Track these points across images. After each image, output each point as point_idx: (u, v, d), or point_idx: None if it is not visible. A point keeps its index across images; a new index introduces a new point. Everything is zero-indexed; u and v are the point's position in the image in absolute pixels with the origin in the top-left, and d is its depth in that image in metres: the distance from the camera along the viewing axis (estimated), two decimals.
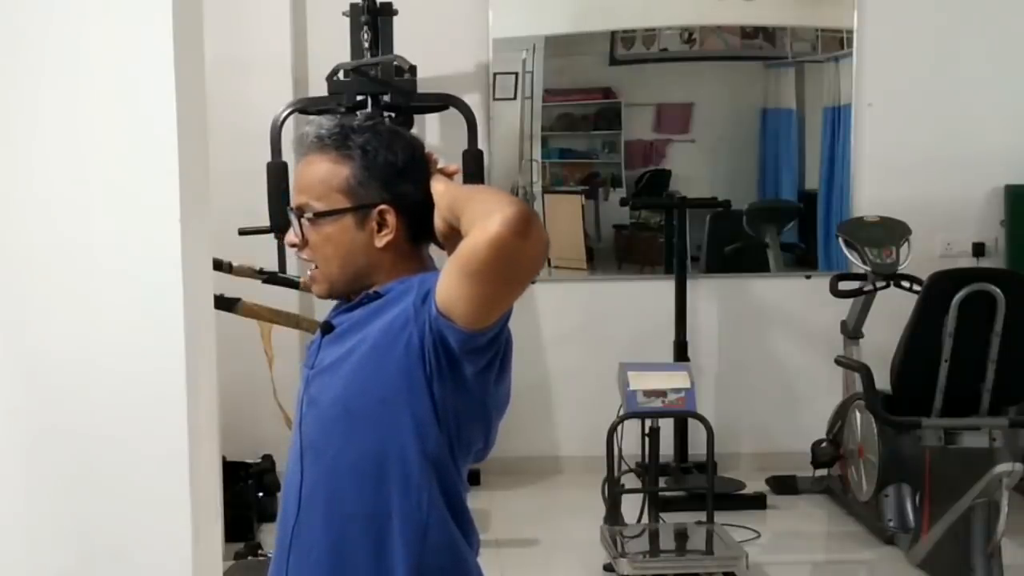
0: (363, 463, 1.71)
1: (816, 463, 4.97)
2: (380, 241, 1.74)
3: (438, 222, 1.73)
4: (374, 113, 4.72)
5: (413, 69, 4.85)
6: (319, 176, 1.75)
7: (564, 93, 5.72)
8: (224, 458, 4.06)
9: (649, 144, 5.78)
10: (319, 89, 4.95)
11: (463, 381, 1.68)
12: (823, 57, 5.72)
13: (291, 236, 1.79)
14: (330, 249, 1.75)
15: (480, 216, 1.57)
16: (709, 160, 5.82)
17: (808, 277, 5.62)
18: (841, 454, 4.85)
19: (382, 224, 1.74)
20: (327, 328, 1.80)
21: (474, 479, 4.53)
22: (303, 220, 1.76)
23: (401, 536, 1.70)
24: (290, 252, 4.68)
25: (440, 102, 4.96)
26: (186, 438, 2.47)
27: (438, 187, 1.75)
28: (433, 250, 1.84)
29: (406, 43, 4.92)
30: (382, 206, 1.74)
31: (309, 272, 1.80)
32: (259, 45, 5.17)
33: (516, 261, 1.58)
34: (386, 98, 4.80)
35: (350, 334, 1.76)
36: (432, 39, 5.27)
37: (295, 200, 1.77)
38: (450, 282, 1.61)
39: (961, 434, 4.04)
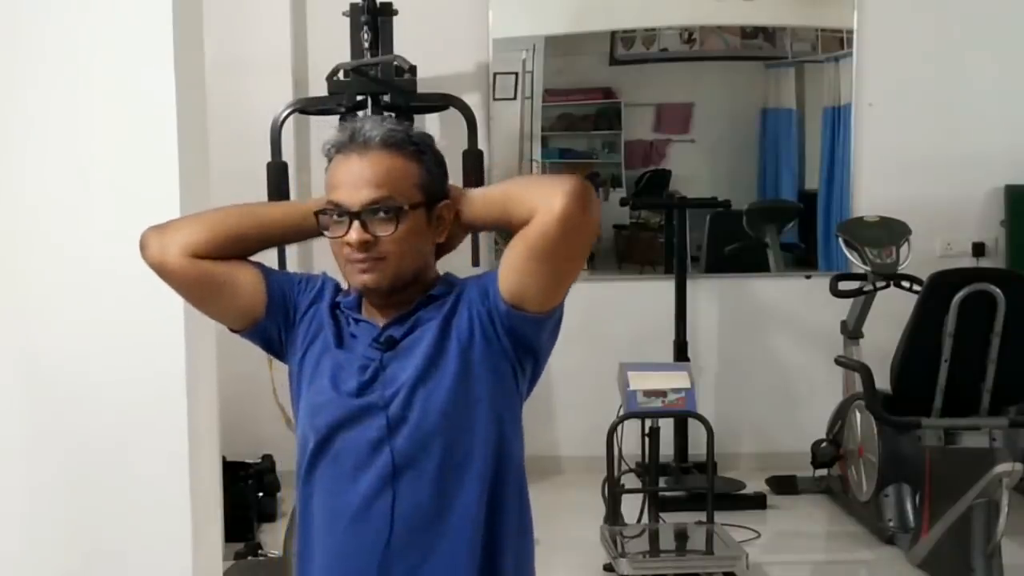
0: (470, 470, 1.74)
1: (816, 463, 4.97)
2: (441, 236, 1.81)
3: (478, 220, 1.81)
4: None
5: (413, 69, 4.85)
6: (398, 172, 1.75)
7: (564, 93, 5.72)
8: (224, 458, 4.05)
9: (649, 144, 5.78)
10: (319, 89, 4.95)
11: (537, 368, 1.83)
12: (823, 57, 5.71)
13: (362, 235, 1.72)
14: (409, 242, 1.75)
15: (542, 198, 1.68)
16: (709, 160, 5.82)
17: (808, 277, 5.62)
18: (841, 454, 4.85)
19: (440, 219, 1.80)
20: (391, 343, 1.78)
21: None
22: (380, 214, 1.73)
23: (507, 536, 1.80)
24: (291, 252, 4.73)
25: (440, 102, 4.96)
26: (186, 438, 2.47)
27: (474, 192, 1.83)
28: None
29: (406, 43, 4.92)
30: (446, 202, 1.80)
31: (364, 265, 1.74)
32: (259, 45, 5.17)
33: (583, 232, 1.71)
34: (386, 98, 4.80)
35: (419, 345, 1.76)
36: (432, 39, 5.27)
37: (367, 195, 1.73)
38: (517, 271, 1.72)
39: (961, 434, 4.04)
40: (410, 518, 1.74)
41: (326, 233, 1.78)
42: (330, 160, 1.79)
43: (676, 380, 4.27)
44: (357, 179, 1.74)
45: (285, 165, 4.68)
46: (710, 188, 5.73)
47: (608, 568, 4.07)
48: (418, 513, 1.74)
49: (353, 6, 4.91)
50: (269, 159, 4.67)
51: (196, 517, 2.51)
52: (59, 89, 2.44)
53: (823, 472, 5.04)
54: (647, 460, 4.35)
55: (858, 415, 4.68)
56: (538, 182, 1.76)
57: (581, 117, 5.76)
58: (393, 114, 4.79)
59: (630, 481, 4.44)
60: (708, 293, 5.55)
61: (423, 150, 1.79)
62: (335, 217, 1.75)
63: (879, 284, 4.76)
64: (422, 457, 1.73)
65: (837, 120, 5.65)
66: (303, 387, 1.83)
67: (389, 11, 4.91)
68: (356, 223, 1.72)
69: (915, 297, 4.27)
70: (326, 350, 1.82)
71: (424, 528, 1.74)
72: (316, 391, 1.81)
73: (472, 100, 5.07)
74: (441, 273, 1.87)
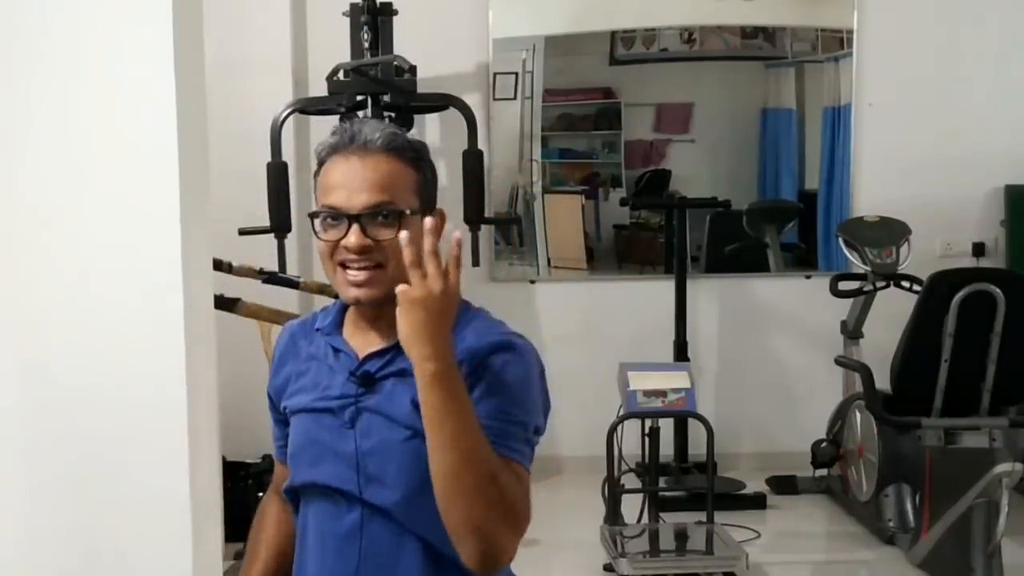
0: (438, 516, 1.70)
1: (816, 463, 4.97)
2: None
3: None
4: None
5: (413, 69, 4.85)
6: (399, 176, 1.71)
7: (564, 93, 5.72)
8: (224, 458, 4.06)
9: (649, 144, 5.78)
10: (319, 89, 4.95)
11: None
12: (823, 57, 5.72)
13: (362, 240, 1.68)
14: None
15: (456, 532, 1.59)
16: (709, 160, 5.82)
17: (808, 277, 5.62)
18: (841, 454, 4.85)
19: None
20: (367, 379, 1.73)
21: None
22: (380, 218, 1.69)
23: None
24: (290, 252, 4.73)
25: (440, 102, 4.96)
26: (186, 438, 2.47)
27: (448, 371, 1.58)
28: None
29: (406, 43, 4.92)
30: (439, 209, 1.76)
31: (364, 275, 1.69)
32: (259, 45, 5.17)
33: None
34: (386, 98, 4.80)
35: (400, 404, 1.70)
36: (432, 39, 5.27)
37: (368, 198, 1.68)
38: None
39: (961, 434, 4.04)
40: (378, 551, 1.73)
41: (320, 236, 1.72)
42: (322, 162, 1.74)
43: (676, 380, 4.27)
44: (358, 182, 1.69)
45: (285, 165, 4.68)
46: (710, 188, 5.73)
47: (608, 568, 4.07)
48: (387, 548, 1.72)
49: (353, 6, 4.91)
50: (269, 159, 4.67)
51: (196, 517, 2.50)
52: (58, 89, 2.44)
53: (823, 472, 5.04)
54: (647, 460, 4.36)
55: (858, 415, 4.68)
56: (467, 511, 1.57)
57: (581, 117, 5.76)
58: (392, 114, 4.80)
59: (630, 481, 4.44)
60: (708, 293, 5.56)
61: (421, 156, 1.75)
62: (330, 220, 1.70)
63: (879, 284, 4.76)
64: (390, 505, 1.71)
65: (837, 120, 5.65)
66: (289, 420, 1.83)
67: (389, 11, 4.92)
68: (355, 227, 1.68)
69: (915, 297, 4.27)
70: (308, 389, 1.80)
71: (401, 553, 1.73)
72: (299, 430, 1.80)
73: (472, 100, 5.07)
74: None
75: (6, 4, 2.42)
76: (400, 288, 1.57)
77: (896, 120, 5.53)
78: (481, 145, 4.91)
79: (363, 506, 1.72)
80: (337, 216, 1.69)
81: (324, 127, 4.99)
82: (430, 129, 5.38)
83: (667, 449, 4.94)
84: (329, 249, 1.71)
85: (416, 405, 1.67)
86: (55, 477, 2.49)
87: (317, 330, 1.84)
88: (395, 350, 1.72)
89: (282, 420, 1.87)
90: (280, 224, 4.65)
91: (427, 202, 1.75)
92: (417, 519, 1.69)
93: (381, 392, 1.73)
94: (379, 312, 1.75)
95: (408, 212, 1.70)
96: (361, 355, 1.76)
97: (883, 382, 4.27)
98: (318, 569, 1.77)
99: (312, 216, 1.73)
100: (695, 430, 4.72)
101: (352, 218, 1.68)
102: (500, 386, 1.66)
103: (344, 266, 1.71)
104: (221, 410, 2.87)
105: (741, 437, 5.48)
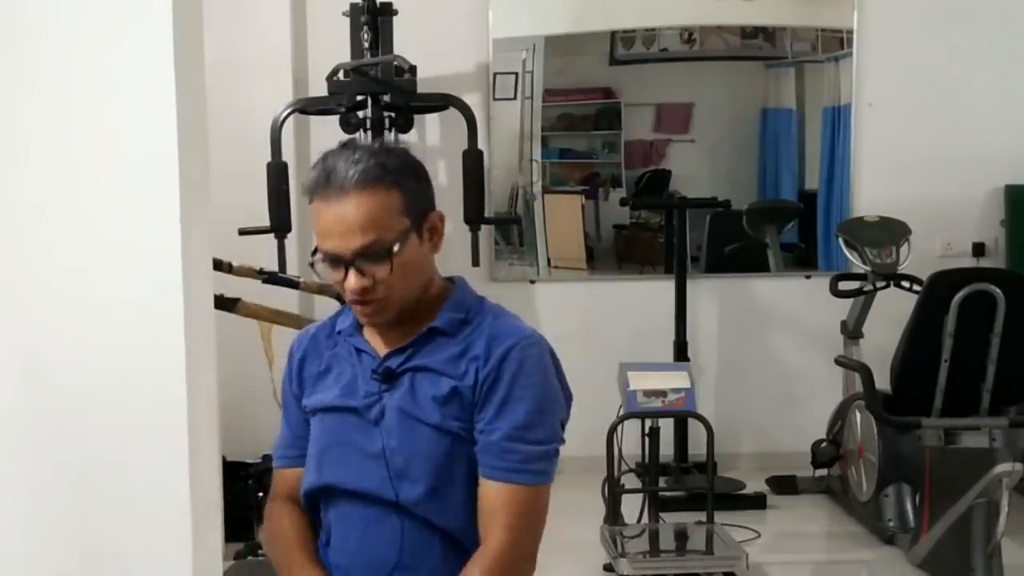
0: (469, 493, 1.77)
1: (816, 463, 4.97)
2: (438, 247, 1.82)
3: None
4: (368, 141, 4.73)
5: (413, 69, 4.85)
6: (380, 210, 1.74)
7: (564, 93, 5.72)
8: (224, 458, 4.05)
9: (649, 144, 5.77)
10: (319, 89, 4.95)
11: None
12: (823, 57, 5.71)
13: (360, 281, 1.75)
14: (409, 272, 1.77)
15: None
16: (709, 160, 5.82)
17: (808, 277, 5.62)
18: (841, 454, 4.85)
19: (433, 230, 1.81)
20: (388, 375, 1.80)
21: None
22: (372, 257, 1.75)
23: None
24: (290, 252, 4.73)
25: (440, 102, 4.96)
26: (186, 438, 2.46)
27: None
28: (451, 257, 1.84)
29: (406, 43, 4.92)
30: (435, 211, 1.81)
31: (371, 308, 1.78)
32: (259, 45, 5.17)
33: None
34: (386, 98, 4.80)
35: (424, 399, 1.78)
36: (432, 39, 5.27)
37: (356, 242, 1.74)
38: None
39: (961, 434, 4.04)
40: (415, 542, 1.76)
41: (323, 277, 1.80)
42: (310, 199, 1.80)
43: (676, 380, 4.27)
44: (343, 226, 1.74)
45: (285, 165, 4.68)
46: (710, 188, 5.73)
47: (608, 568, 4.07)
48: (414, 540, 1.76)
49: (353, 6, 4.91)
50: (269, 159, 4.67)
51: (196, 517, 2.50)
52: (57, 89, 2.43)
53: (823, 472, 5.04)
54: (647, 460, 4.35)
55: (858, 415, 4.68)
56: None
57: (581, 117, 5.76)
58: (392, 114, 4.79)
59: (630, 481, 4.44)
60: (708, 293, 5.55)
61: (401, 174, 1.77)
62: (329, 264, 1.78)
63: (879, 284, 4.76)
64: (417, 500, 1.76)
65: (837, 120, 5.65)
66: (312, 421, 1.87)
67: (389, 11, 4.92)
68: (352, 271, 1.75)
69: (915, 297, 4.27)
70: (331, 387, 1.85)
71: (430, 548, 1.76)
72: (324, 430, 1.83)
73: (472, 100, 5.07)
74: (443, 276, 1.87)
75: (6, 4, 2.42)
76: None
77: (896, 120, 5.53)
78: (481, 145, 4.91)
79: (394, 503, 1.76)
80: (334, 260, 1.76)
81: (324, 127, 5.02)
82: (430, 129, 5.38)
83: (667, 449, 4.93)
84: (339, 285, 1.79)
85: (437, 400, 1.74)
86: (55, 477, 2.49)
87: (338, 332, 1.89)
88: (413, 347, 1.80)
89: (305, 420, 1.89)
90: (280, 224, 4.65)
91: (420, 212, 1.79)
92: (441, 511, 1.75)
93: (402, 388, 1.79)
94: (394, 324, 1.83)
95: (396, 248, 1.74)
96: (382, 354, 1.82)
97: (883, 382, 4.27)
98: (351, 560, 1.80)
99: (312, 255, 1.80)
100: (695, 430, 4.72)
101: (347, 263, 1.75)
102: (521, 394, 1.75)
103: (353, 301, 1.79)
104: (221, 410, 2.87)
105: (741, 437, 5.48)
